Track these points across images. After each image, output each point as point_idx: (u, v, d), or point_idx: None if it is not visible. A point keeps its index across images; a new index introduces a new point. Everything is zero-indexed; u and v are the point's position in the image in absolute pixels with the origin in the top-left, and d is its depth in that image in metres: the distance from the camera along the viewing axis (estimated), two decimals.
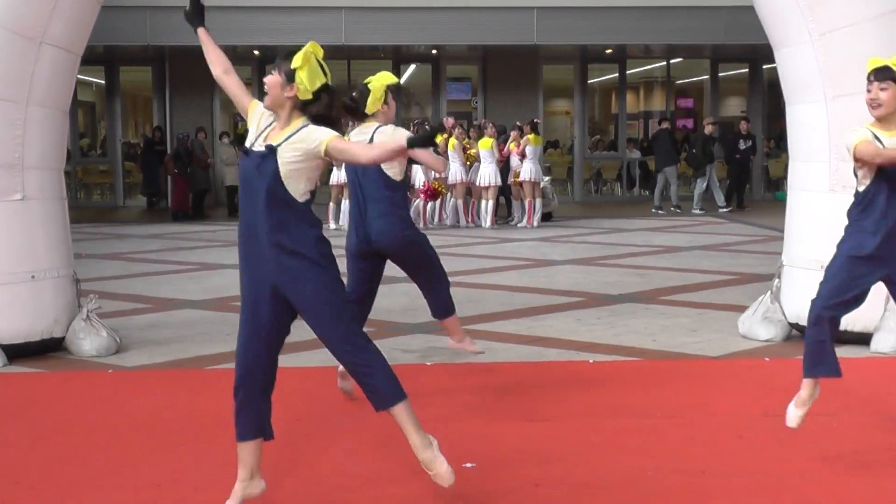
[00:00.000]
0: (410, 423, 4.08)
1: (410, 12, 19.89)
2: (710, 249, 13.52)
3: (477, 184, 17.20)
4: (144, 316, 8.92)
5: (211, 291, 10.16)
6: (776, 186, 22.70)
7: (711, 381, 6.38)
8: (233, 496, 4.14)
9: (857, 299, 4.72)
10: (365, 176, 5.72)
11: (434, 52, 22.30)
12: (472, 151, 17.25)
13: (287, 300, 4.03)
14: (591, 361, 6.95)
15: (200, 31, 4.54)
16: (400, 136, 5.68)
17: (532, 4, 19.98)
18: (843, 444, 5.07)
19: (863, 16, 7.09)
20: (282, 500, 4.38)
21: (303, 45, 4.03)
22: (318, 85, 4.01)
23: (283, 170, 3.95)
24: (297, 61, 3.99)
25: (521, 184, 17.17)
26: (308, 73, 3.99)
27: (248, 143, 4.11)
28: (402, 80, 23.12)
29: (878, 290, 4.84)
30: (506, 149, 17.36)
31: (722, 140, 21.42)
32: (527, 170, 16.88)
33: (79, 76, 8.09)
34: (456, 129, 17.01)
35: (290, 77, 4.00)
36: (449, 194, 17.35)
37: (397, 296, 9.18)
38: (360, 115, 5.78)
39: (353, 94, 5.60)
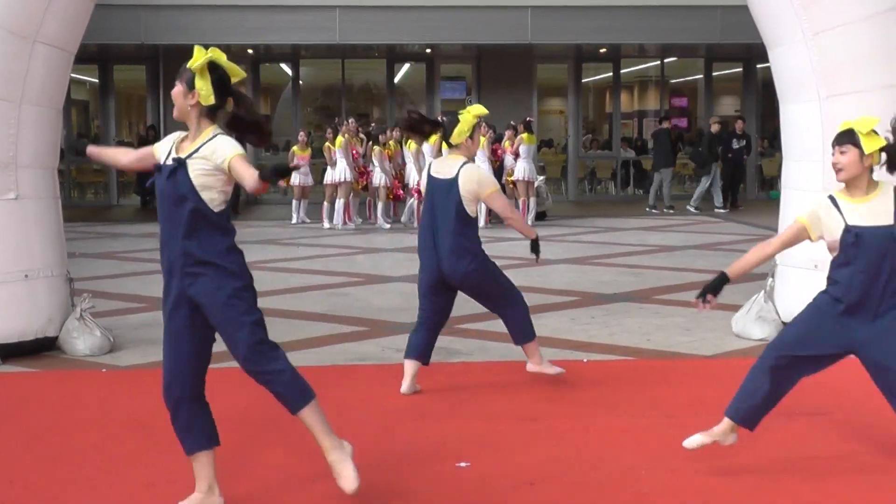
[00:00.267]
0: (319, 425, 4.07)
1: (404, 11, 19.87)
2: (704, 249, 13.55)
3: None
4: (138, 315, 8.91)
5: None
6: (770, 185, 22.72)
7: (705, 381, 6.39)
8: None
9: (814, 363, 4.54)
10: (441, 208, 5.77)
11: (428, 51, 22.28)
12: None
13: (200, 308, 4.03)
14: (585, 360, 6.95)
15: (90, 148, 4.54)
16: (484, 177, 5.78)
17: (526, 3, 19.97)
18: (839, 443, 5.08)
19: (856, 15, 7.11)
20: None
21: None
22: (217, 90, 3.96)
23: (195, 182, 3.94)
24: (194, 66, 3.97)
25: (514, 183, 17.16)
26: (207, 77, 3.96)
27: (160, 160, 4.08)
28: (396, 80, 23.16)
29: None
30: (500, 149, 17.34)
31: (716, 138, 21.43)
32: (520, 169, 16.88)
33: (72, 75, 8.08)
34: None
35: (191, 84, 3.98)
36: None
37: (392, 295, 9.15)
38: (426, 134, 5.85)
39: (443, 118, 5.67)
